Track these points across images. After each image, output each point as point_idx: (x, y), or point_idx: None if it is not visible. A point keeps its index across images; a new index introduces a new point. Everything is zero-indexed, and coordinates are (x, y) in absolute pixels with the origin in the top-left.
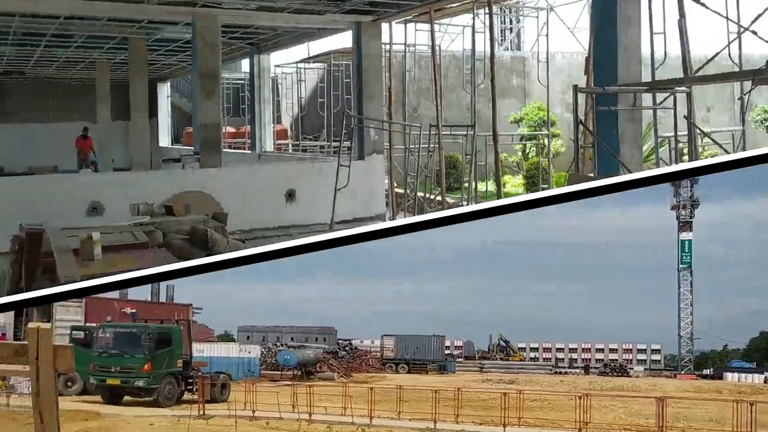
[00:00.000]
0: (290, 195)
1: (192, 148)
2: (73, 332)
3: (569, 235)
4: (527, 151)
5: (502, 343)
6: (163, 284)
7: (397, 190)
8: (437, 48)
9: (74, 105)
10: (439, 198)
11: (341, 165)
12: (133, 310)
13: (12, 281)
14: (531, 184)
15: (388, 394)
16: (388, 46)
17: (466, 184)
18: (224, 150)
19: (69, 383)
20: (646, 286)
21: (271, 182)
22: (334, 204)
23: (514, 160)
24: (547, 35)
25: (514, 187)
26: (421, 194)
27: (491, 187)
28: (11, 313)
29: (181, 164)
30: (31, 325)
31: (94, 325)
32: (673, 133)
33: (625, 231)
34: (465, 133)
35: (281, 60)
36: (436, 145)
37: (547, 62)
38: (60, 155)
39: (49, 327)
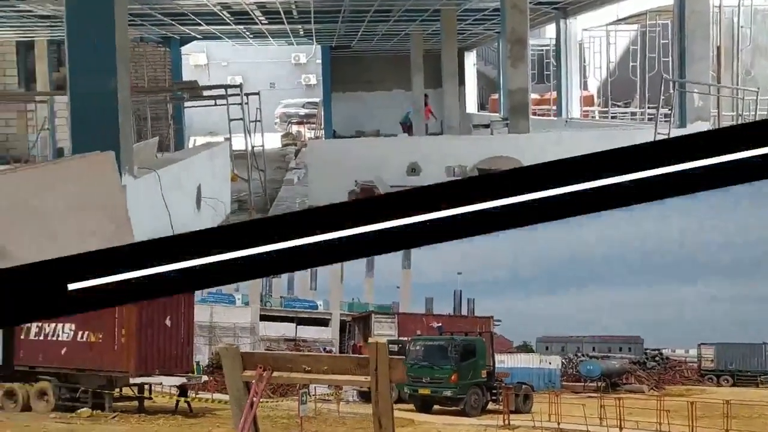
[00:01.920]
0: None
1: (497, 114)
2: (389, 346)
3: None
4: None
5: None
6: (464, 297)
7: None
8: None
9: (391, 75)
10: None
11: (658, 133)
12: (440, 324)
13: None
14: None
15: (710, 410)
16: (716, 1)
17: None
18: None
19: None
20: None
21: (580, 148)
22: None
23: None
24: None
25: None
26: None
27: None
28: (338, 329)
29: (489, 129)
30: (371, 340)
31: (406, 338)
32: None
33: None
34: None
35: (588, 24)
36: None
37: None
38: (380, 120)
39: (385, 342)
